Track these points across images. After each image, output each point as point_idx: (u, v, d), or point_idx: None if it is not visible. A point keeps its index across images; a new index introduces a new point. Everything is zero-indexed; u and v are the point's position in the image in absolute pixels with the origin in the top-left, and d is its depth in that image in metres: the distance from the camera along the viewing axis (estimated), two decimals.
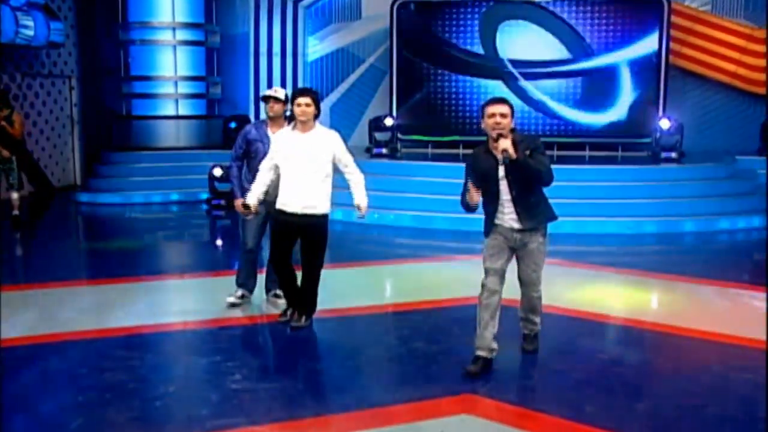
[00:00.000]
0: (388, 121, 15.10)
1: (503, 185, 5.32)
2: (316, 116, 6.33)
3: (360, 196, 6.52)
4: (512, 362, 5.77)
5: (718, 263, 9.67)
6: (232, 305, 7.07)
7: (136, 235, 12.24)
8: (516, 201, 5.31)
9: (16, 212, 11.61)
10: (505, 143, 5.12)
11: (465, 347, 5.86)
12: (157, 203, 14.49)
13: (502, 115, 5.23)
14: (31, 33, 14.23)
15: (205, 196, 14.13)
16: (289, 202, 6.25)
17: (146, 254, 10.46)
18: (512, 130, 5.29)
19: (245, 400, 5.10)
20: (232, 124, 15.36)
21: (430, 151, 15.34)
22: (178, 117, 16.43)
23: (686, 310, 7.34)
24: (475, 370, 5.39)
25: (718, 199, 12.15)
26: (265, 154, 6.61)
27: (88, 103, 17.08)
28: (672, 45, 15.20)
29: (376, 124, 15.26)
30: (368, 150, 15.29)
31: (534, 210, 5.39)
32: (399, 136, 15.49)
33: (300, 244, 6.41)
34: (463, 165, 5.58)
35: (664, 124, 14.09)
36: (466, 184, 5.39)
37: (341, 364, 5.81)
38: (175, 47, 16.25)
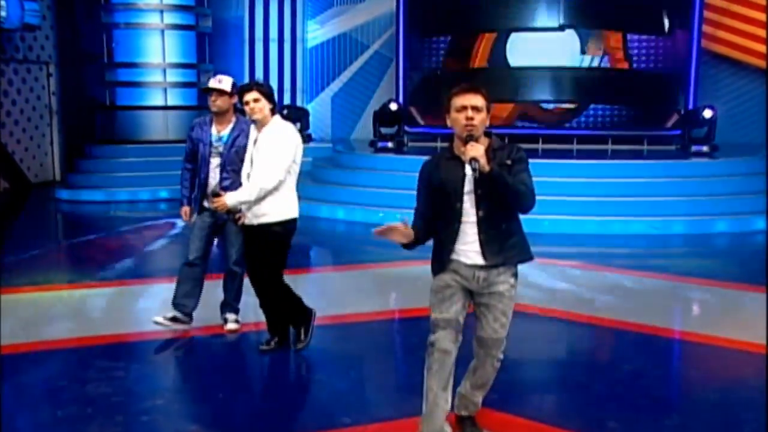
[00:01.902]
0: (393, 106, 15.08)
1: (468, 202, 4.24)
2: (273, 111, 5.88)
3: (234, 193, 5.92)
4: (527, 372, 5.75)
5: (753, 267, 9.64)
6: (156, 323, 6.64)
7: (121, 235, 12.24)
8: (482, 225, 4.24)
9: None
10: (476, 149, 4.07)
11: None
12: (144, 201, 14.52)
13: (475, 109, 4.18)
14: (3, 14, 14.21)
15: None
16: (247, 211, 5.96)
17: (132, 256, 10.46)
18: (488, 135, 4.30)
19: (239, 414, 5.09)
20: None
21: (439, 144, 15.34)
22: (166, 108, 16.44)
23: (719, 318, 7.32)
24: None
25: (754, 197, 12.08)
26: (204, 157, 6.46)
27: (68, 91, 17.10)
28: (705, 28, 15.15)
29: (381, 112, 15.22)
30: (372, 144, 15.30)
31: (504, 241, 4.29)
32: (405, 128, 15.50)
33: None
34: None
35: (707, 113, 14.01)
36: (417, 203, 4.51)
37: (343, 375, 5.81)
38: (163, 31, 16.28)
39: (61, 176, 16.86)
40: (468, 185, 4.23)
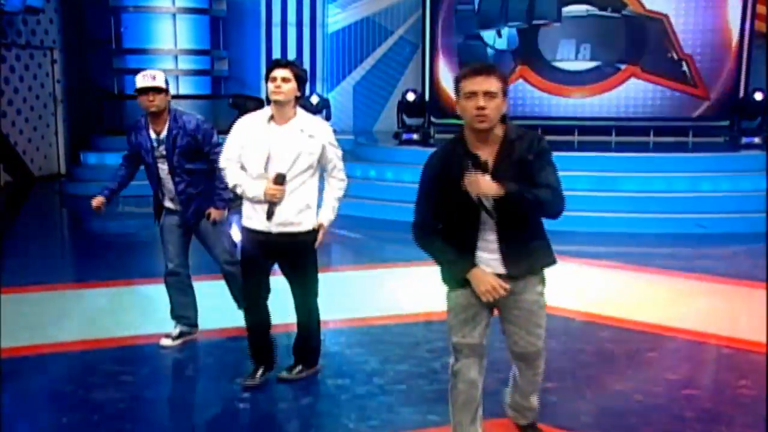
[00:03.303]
0: (410, 96, 15.05)
1: (486, 207, 3.97)
2: (298, 99, 5.39)
3: (326, 211, 5.55)
4: (564, 380, 5.73)
5: None
6: (165, 347, 6.40)
7: (130, 232, 12.32)
8: (502, 232, 4.00)
9: None
10: (479, 186, 3.77)
11: (506, 361, 5.83)
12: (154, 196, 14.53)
13: (488, 95, 3.81)
14: None
15: None
16: (257, 216, 5.39)
17: (141, 253, 10.51)
18: (503, 120, 3.97)
19: (254, 421, 5.11)
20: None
21: None
22: (178, 96, 16.44)
23: None
24: None
25: None
26: (150, 165, 6.27)
27: (74, 79, 17.19)
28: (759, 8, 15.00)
29: (405, 104, 15.21)
30: (397, 135, 15.28)
31: (526, 247, 4.09)
32: (432, 119, 15.48)
33: (282, 271, 5.66)
34: None
35: (758, 96, 13.87)
36: (421, 202, 4.22)
37: (365, 382, 5.80)
38: (174, 15, 16.33)
39: (66, 169, 16.97)
40: None
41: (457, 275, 4.07)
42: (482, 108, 3.79)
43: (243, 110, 15.73)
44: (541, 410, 5.19)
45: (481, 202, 3.90)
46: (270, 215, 5.29)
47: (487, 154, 3.92)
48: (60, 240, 12.25)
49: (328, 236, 5.59)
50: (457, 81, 3.93)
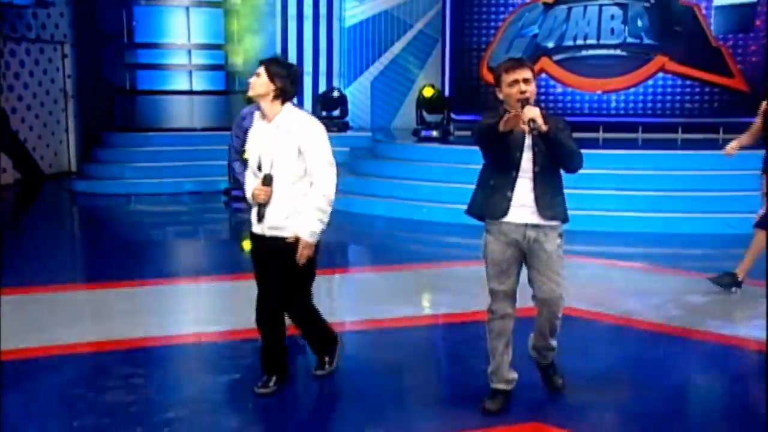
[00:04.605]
0: (428, 92, 15.10)
1: (527, 156, 4.95)
2: (281, 95, 5.24)
3: (306, 221, 5.23)
4: (588, 384, 5.71)
5: None
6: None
7: (142, 231, 12.37)
8: (537, 180, 4.95)
9: None
10: (533, 111, 4.70)
11: (530, 365, 5.84)
12: (167, 194, 14.63)
13: (526, 81, 4.89)
14: None
15: (223, 185, 14.22)
16: (254, 219, 5.39)
17: (154, 253, 10.56)
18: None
19: (268, 425, 5.12)
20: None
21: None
22: (191, 92, 16.56)
23: None
24: (495, 408, 5.18)
25: None
26: None
27: (85, 74, 17.27)
28: None
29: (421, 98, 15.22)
30: (415, 132, 15.28)
31: (554, 197, 5.03)
32: (453, 116, 15.46)
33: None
34: None
35: None
36: (486, 117, 5.03)
37: (382, 385, 5.80)
38: (188, 9, 16.38)
39: (77, 167, 17.04)
40: (528, 140, 4.91)
41: (493, 127, 4.82)
42: (524, 91, 4.84)
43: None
44: (567, 415, 5.19)
45: (518, 146, 4.92)
46: (260, 217, 5.28)
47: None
48: (71, 239, 12.31)
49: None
50: (499, 74, 4.99)
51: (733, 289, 8.09)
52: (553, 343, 5.34)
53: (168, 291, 8.36)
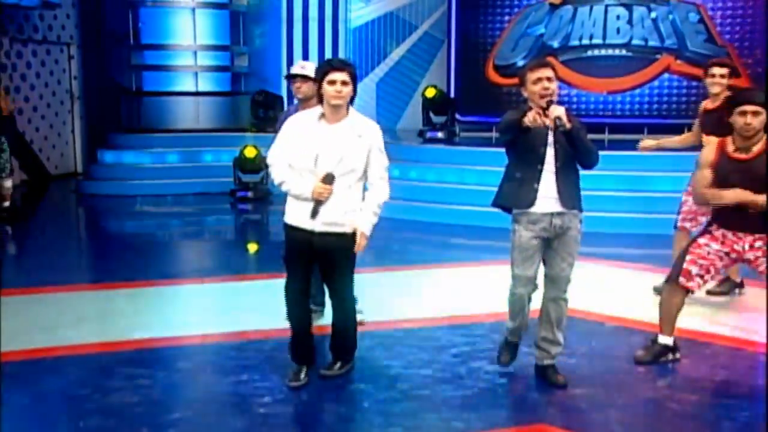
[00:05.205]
0: (429, 93, 15.15)
1: (550, 152, 5.41)
2: (352, 99, 5.51)
3: (366, 214, 5.56)
4: (595, 387, 5.71)
5: None
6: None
7: (148, 232, 12.38)
8: (559, 174, 5.41)
9: (7, 203, 11.84)
10: (559, 110, 5.21)
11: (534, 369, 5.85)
12: (173, 195, 14.63)
13: (549, 80, 5.34)
14: None
15: (229, 187, 14.24)
16: (301, 214, 5.49)
17: (159, 254, 10.57)
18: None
19: (275, 426, 5.12)
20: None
21: (494, 135, 15.27)
22: (197, 93, 16.59)
23: None
24: (507, 359, 5.92)
25: None
26: None
27: (91, 75, 17.30)
28: None
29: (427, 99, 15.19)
30: (421, 134, 15.27)
31: (574, 190, 5.50)
32: (458, 117, 15.46)
33: (320, 272, 5.81)
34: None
35: None
36: (510, 113, 5.47)
37: (388, 387, 5.80)
38: (194, 10, 16.40)
39: (83, 168, 17.07)
40: (550, 137, 5.37)
41: (517, 122, 5.28)
42: (547, 88, 5.30)
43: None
44: (572, 417, 5.19)
45: (543, 142, 5.37)
46: (315, 214, 5.39)
47: None
48: (76, 240, 12.33)
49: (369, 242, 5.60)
50: (524, 74, 5.45)
51: (737, 290, 8.08)
52: (560, 337, 5.68)
53: (173, 292, 8.37)
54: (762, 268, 5.88)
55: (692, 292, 6.10)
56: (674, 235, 8.09)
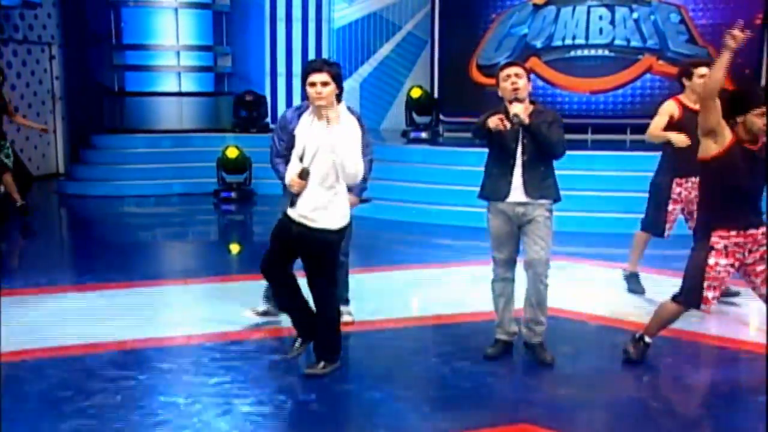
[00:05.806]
0: (415, 93, 15.13)
1: (519, 148, 5.90)
2: (338, 97, 5.62)
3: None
4: (579, 386, 5.73)
5: None
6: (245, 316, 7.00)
7: (131, 233, 12.35)
8: (525, 167, 5.88)
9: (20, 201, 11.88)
10: (517, 107, 5.74)
11: (520, 366, 5.86)
12: (156, 195, 14.60)
13: (517, 76, 5.85)
14: None
15: (212, 187, 14.21)
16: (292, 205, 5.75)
17: (142, 255, 10.55)
18: (532, 102, 5.99)
19: (259, 427, 5.12)
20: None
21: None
22: (180, 94, 16.54)
23: None
24: (494, 353, 6.20)
25: None
26: None
27: (73, 75, 17.22)
28: None
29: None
30: (405, 134, 15.27)
31: (541, 181, 5.92)
32: (442, 117, 15.47)
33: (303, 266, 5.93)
34: None
35: None
36: (480, 118, 5.91)
37: (372, 387, 5.80)
38: (176, 10, 16.36)
39: (65, 169, 17.00)
40: (521, 133, 5.83)
41: (484, 124, 5.81)
42: (515, 83, 5.82)
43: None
44: (556, 416, 5.20)
45: (514, 138, 5.86)
46: (292, 204, 5.69)
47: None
48: (59, 241, 12.28)
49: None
50: (497, 73, 5.99)
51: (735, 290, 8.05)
52: (542, 318, 6.08)
53: (156, 293, 8.35)
54: (759, 270, 5.86)
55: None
56: (636, 234, 8.11)
